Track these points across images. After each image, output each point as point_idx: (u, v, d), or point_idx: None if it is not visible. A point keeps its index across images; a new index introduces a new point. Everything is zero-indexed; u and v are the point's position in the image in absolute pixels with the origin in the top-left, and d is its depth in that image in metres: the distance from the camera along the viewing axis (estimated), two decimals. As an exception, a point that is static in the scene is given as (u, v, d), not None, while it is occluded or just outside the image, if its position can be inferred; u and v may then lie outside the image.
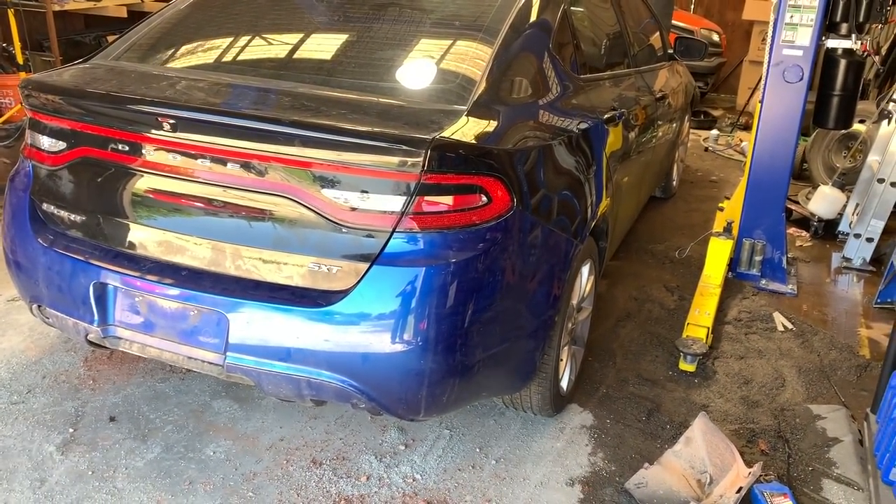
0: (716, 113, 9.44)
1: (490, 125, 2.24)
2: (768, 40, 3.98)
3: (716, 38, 9.82)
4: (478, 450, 2.74)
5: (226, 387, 3.04)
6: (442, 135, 2.04)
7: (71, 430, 2.76)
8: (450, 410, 2.37)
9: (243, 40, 2.74)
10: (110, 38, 6.72)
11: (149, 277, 2.27)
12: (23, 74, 5.91)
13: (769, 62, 3.95)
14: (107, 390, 3.00)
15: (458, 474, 2.62)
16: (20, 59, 5.90)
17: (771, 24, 3.96)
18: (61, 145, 2.39)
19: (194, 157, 2.17)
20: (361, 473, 2.60)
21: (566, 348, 2.82)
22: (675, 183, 5.84)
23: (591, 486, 2.58)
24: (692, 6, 11.29)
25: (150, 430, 2.78)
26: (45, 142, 2.43)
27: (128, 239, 2.33)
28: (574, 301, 2.81)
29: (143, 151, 2.23)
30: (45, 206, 2.46)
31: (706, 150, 7.89)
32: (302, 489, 2.52)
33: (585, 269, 2.86)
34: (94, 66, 2.65)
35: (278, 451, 2.69)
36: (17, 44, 5.83)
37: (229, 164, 2.14)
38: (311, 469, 2.61)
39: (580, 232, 2.67)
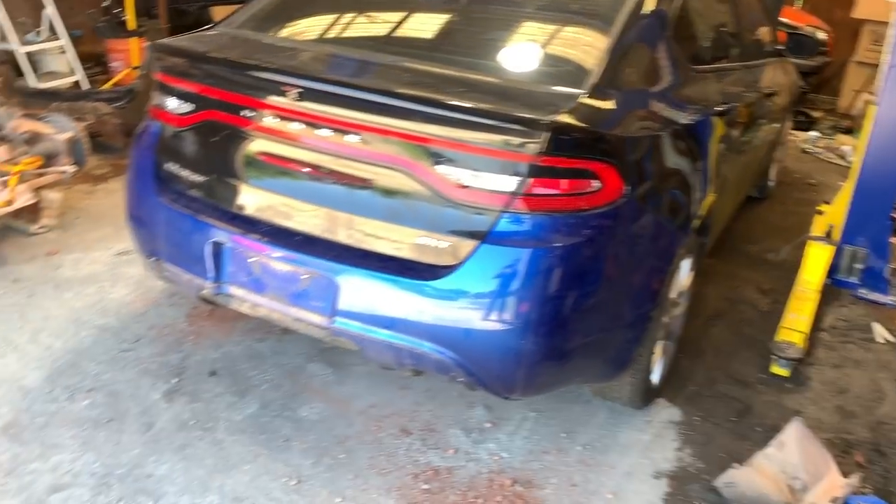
0: (815, 114, 9.07)
1: (607, 111, 2.23)
2: (890, 40, 3.80)
3: (822, 36, 9.40)
4: (563, 434, 2.75)
5: (320, 351, 3.13)
6: (560, 118, 2.04)
7: (175, 381, 2.90)
8: (543, 392, 2.40)
9: (362, 16, 2.80)
10: (214, 10, 6.94)
11: (264, 240, 2.36)
12: (134, 40, 6.17)
13: (891, 63, 3.77)
14: (207, 346, 3.14)
15: (544, 456, 2.64)
16: (132, 26, 6.15)
17: (893, 23, 3.77)
18: (188, 107, 2.50)
19: (315, 126, 2.24)
20: (449, 446, 2.65)
21: (660, 342, 2.79)
22: (772, 183, 5.67)
23: (678, 480, 2.57)
24: (801, 1, 10.84)
25: (248, 386, 2.90)
26: (172, 103, 2.55)
27: (246, 202, 2.43)
28: (672, 296, 2.78)
29: (266, 118, 2.32)
30: (168, 165, 2.59)
31: (804, 151, 7.61)
32: (392, 456, 2.59)
33: (686, 265, 2.82)
34: (220, 33, 2.75)
35: (369, 418, 2.77)
36: (131, 11, 6.07)
37: (348, 136, 2.20)
38: (401, 437, 2.68)
39: (685, 226, 2.64)
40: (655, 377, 2.85)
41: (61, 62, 6.26)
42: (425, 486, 2.47)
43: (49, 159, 4.09)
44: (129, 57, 6.24)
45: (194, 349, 3.11)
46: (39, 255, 3.83)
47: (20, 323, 3.21)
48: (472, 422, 2.79)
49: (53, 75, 6.25)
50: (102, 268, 3.75)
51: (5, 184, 3.70)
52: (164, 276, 2.69)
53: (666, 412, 2.93)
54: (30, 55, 5.92)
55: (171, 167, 2.57)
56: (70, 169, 4.01)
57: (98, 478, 2.41)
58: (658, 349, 2.79)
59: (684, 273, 2.87)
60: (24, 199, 3.65)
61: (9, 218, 3.84)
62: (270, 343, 3.18)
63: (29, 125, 4.07)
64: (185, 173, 2.53)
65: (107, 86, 6.07)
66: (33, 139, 4.07)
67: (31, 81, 5.87)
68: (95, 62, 6.64)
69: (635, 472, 2.59)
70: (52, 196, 4.02)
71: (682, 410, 2.95)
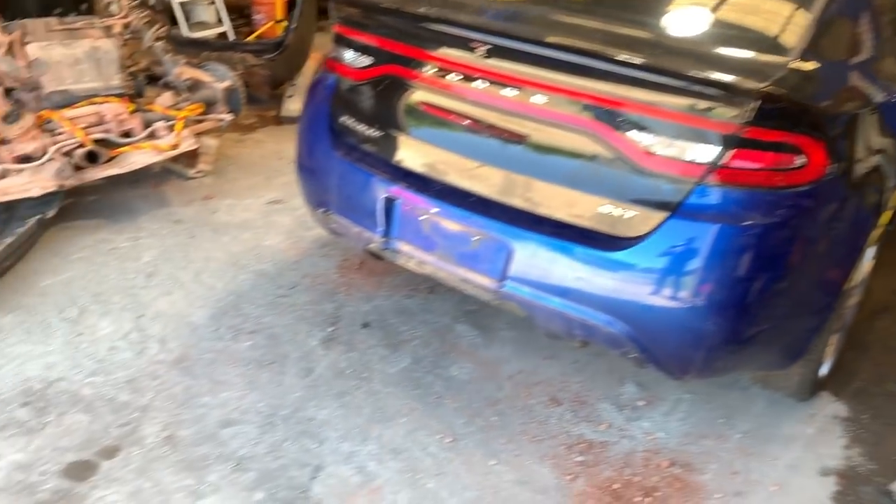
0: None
1: (816, 82, 2.08)
2: None
3: None
4: (721, 420, 2.65)
5: (465, 312, 3.13)
6: (769, 86, 1.91)
7: (330, 329, 2.97)
8: (716, 376, 2.31)
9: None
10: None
11: (437, 198, 2.34)
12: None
13: None
14: (359, 298, 3.20)
15: (702, 441, 2.55)
16: (276, -21, 6.26)
17: None
18: (367, 61, 2.50)
19: (502, 85, 2.19)
20: (602, 421, 2.60)
21: (835, 334, 2.63)
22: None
23: (848, 480, 2.42)
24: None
25: (400, 341, 2.94)
26: (351, 56, 2.56)
27: (421, 159, 2.42)
28: (851, 285, 2.59)
29: (450, 75, 2.29)
30: (343, 118, 2.61)
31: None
32: (543, 424, 2.57)
33: (870, 253, 2.63)
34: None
35: (518, 383, 2.75)
36: (274, -37, 6.18)
37: (536, 96, 2.14)
38: (551, 406, 2.65)
39: (876, 211, 2.45)
40: (824, 370, 2.69)
41: (210, 12, 6.46)
42: (579, 458, 2.44)
43: (207, 107, 4.23)
44: (272, 10, 6.37)
45: (346, 300, 3.18)
46: (197, 199, 4.00)
47: (184, 263, 3.36)
48: (624, 398, 2.73)
49: (203, 25, 6.46)
50: (255, 215, 3.87)
51: (171, 128, 3.85)
52: (332, 228, 2.73)
53: (831, 407, 2.76)
54: (182, 5, 6.14)
55: (347, 120, 2.59)
56: (227, 117, 4.14)
57: (264, 417, 2.51)
58: (833, 340, 2.63)
59: (866, 262, 2.67)
60: (187, 143, 3.79)
61: (170, 161, 4.00)
62: (418, 300, 3.20)
63: (191, 73, 4.22)
64: (361, 127, 2.54)
65: (251, 38, 6.22)
66: (194, 86, 4.22)
67: (184, 31, 6.09)
68: (239, 14, 6.83)
69: (800, 466, 2.47)
70: (210, 143, 4.16)
71: (849, 406, 2.78)
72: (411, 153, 2.44)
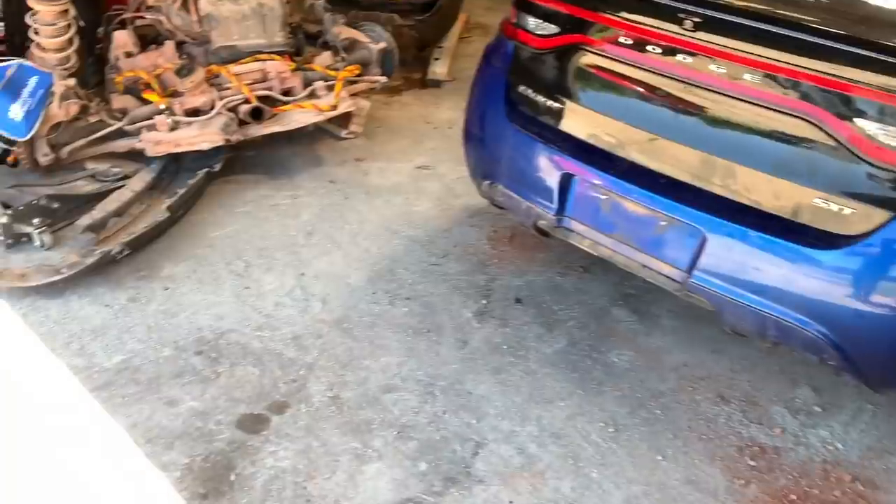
0: None
1: None
2: None
3: None
4: (910, 437, 2.43)
5: (623, 295, 3.02)
6: None
7: (483, 302, 2.93)
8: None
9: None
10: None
11: (622, 178, 2.23)
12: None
13: None
14: (510, 272, 3.13)
15: (888, 457, 2.35)
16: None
17: None
18: (552, 29, 2.39)
19: (708, 60, 2.03)
20: (774, 424, 2.44)
21: None
22: None
23: None
24: None
25: (555, 321, 2.86)
26: (534, 24, 2.45)
27: (606, 135, 2.31)
28: None
29: (648, 47, 2.15)
30: (520, 88, 2.52)
31: None
32: (711, 422, 2.44)
33: None
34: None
35: (682, 377, 2.62)
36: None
37: (748, 75, 1.97)
38: (719, 404, 2.51)
39: None
40: None
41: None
42: (752, 463, 2.30)
43: (361, 67, 4.24)
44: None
45: (498, 273, 3.12)
46: (349, 161, 4.03)
47: (340, 223, 3.40)
48: (798, 402, 2.55)
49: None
50: (405, 179, 3.87)
51: (330, 88, 3.88)
52: (498, 201, 2.67)
53: None
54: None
55: (526, 91, 2.50)
56: (381, 79, 4.14)
57: (423, 385, 2.50)
58: None
59: None
60: (345, 105, 3.81)
61: (325, 122, 4.04)
62: (572, 279, 3.11)
63: (348, 32, 4.23)
64: (541, 99, 2.45)
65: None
66: (350, 46, 4.23)
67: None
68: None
69: None
70: (363, 104, 4.17)
71: None
72: (596, 129, 2.33)
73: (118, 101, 3.59)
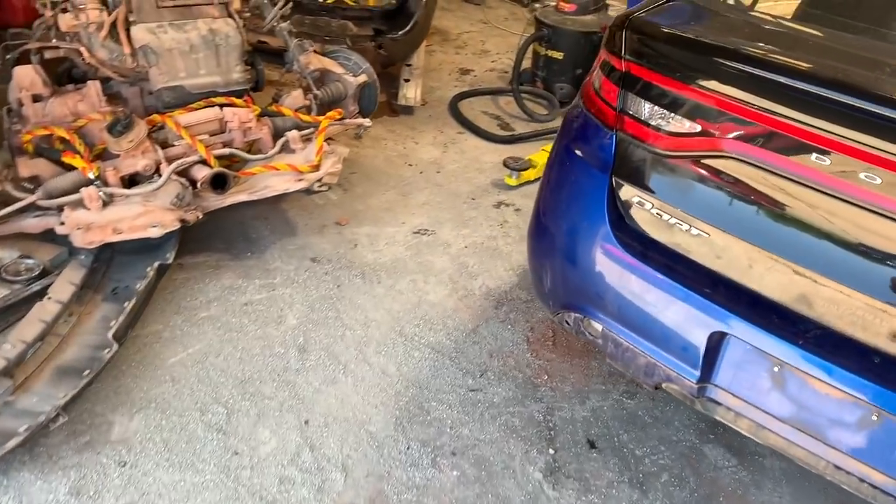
0: None
1: None
2: None
3: None
4: None
5: (710, 426, 2.42)
6: None
7: (551, 452, 2.27)
8: None
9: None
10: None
11: (806, 346, 1.59)
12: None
13: None
14: (568, 395, 2.48)
15: None
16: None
17: None
18: (687, 126, 1.71)
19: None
20: None
21: None
22: None
23: None
24: None
25: (644, 474, 2.23)
26: (657, 114, 1.76)
27: (784, 284, 1.66)
28: None
29: (860, 174, 1.50)
30: (634, 199, 1.83)
31: None
32: None
33: None
34: (704, 8, 1.92)
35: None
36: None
37: None
38: None
39: None
40: None
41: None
42: None
43: (334, 102, 3.44)
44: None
45: (554, 398, 2.46)
46: (329, 225, 3.25)
47: (339, 329, 2.64)
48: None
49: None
50: (404, 252, 3.13)
51: (307, 139, 3.07)
52: (594, 342, 1.99)
53: None
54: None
55: (644, 205, 1.82)
56: (367, 123, 3.34)
57: None
58: None
59: None
60: (329, 163, 3.01)
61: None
62: (643, 402, 2.49)
63: (319, 62, 3.40)
64: (675, 221, 1.77)
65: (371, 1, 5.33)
66: (322, 79, 3.42)
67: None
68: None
69: None
70: (340, 150, 3.36)
71: None
72: (767, 274, 1.67)
73: (27, 167, 2.68)
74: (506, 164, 3.74)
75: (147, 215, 2.59)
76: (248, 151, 3.00)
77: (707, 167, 1.71)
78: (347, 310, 2.74)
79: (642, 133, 1.81)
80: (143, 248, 2.65)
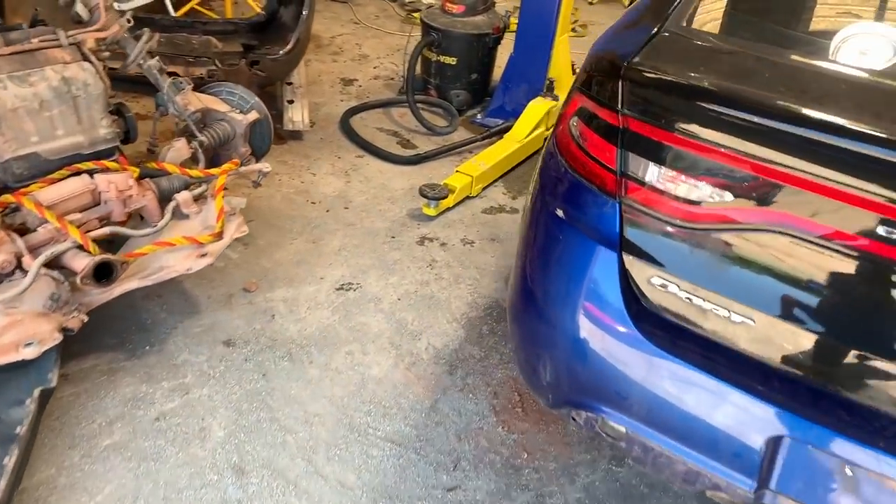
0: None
1: None
2: None
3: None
4: None
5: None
6: None
7: (557, 556, 1.97)
8: None
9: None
10: None
11: (879, 443, 1.37)
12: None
13: None
14: (554, 473, 2.20)
15: None
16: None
17: None
18: (712, 194, 1.44)
19: None
20: None
21: None
22: None
23: None
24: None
25: (659, 562, 1.98)
26: (670, 178, 1.48)
27: (851, 376, 1.42)
28: None
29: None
30: (655, 279, 1.54)
31: None
32: None
33: None
34: (705, 43, 1.65)
35: None
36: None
37: None
38: None
39: None
40: None
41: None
42: None
43: (222, 145, 2.95)
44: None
45: (541, 480, 2.18)
46: (236, 293, 2.78)
47: (280, 435, 2.21)
48: None
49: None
50: (330, 315, 2.72)
51: (199, 197, 2.58)
52: (612, 442, 1.69)
53: None
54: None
55: (665, 283, 1.53)
56: (266, 168, 2.87)
57: None
58: None
59: None
60: (235, 227, 2.54)
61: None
62: (632, 471, 2.24)
63: (198, 101, 2.89)
64: (704, 302, 1.50)
65: (229, 13, 4.77)
66: (204, 119, 2.91)
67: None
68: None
69: None
70: (236, 202, 2.88)
71: None
72: (831, 365, 1.44)
73: None
74: (422, 194, 3.38)
75: (15, 328, 2.04)
76: (132, 225, 2.47)
77: (745, 242, 1.43)
78: (282, 406, 2.31)
79: (656, 202, 1.52)
80: (16, 365, 2.09)
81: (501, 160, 3.75)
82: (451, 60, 4.35)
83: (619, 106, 1.54)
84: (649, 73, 1.51)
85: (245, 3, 5.30)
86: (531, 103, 4.03)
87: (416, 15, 5.93)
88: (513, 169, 3.90)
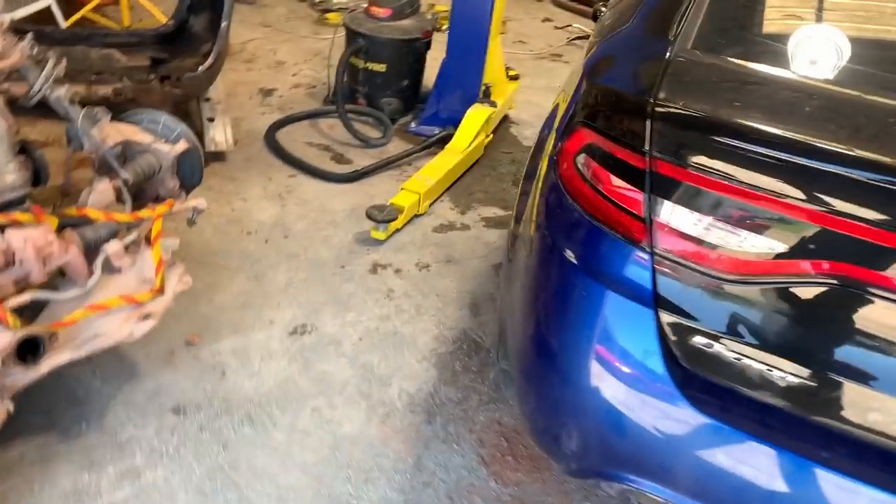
0: None
1: None
2: None
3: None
4: None
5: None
6: None
7: None
8: None
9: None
10: None
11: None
12: None
13: None
14: (557, 527, 2.04)
15: None
16: None
17: None
18: (763, 244, 1.31)
19: None
20: None
21: None
22: None
23: None
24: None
25: None
26: (711, 227, 1.33)
27: None
28: None
29: None
30: (698, 338, 1.40)
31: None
32: None
33: None
34: (728, 72, 1.51)
35: None
36: None
37: None
38: None
39: None
40: None
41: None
42: None
43: (146, 180, 2.63)
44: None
45: (545, 539, 2.00)
46: (178, 348, 2.48)
47: (253, 518, 1.95)
48: None
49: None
50: (287, 365, 2.47)
51: (131, 246, 2.27)
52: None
53: None
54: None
55: (709, 343, 1.39)
56: (201, 205, 2.57)
57: None
58: None
59: None
60: (177, 278, 2.24)
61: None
62: (637, 509, 2.11)
63: (118, 132, 2.55)
64: (756, 363, 1.36)
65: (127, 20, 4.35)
66: (125, 151, 2.58)
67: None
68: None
69: None
70: (169, 244, 2.56)
71: None
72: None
73: None
74: (370, 217, 3.15)
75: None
76: (54, 285, 2.13)
77: (803, 295, 1.30)
78: (250, 482, 2.05)
79: (697, 254, 1.37)
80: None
81: (446, 174, 3.56)
82: (380, 67, 4.11)
83: (647, 148, 1.37)
84: (684, 111, 1.35)
85: (144, 9, 4.85)
86: (470, 111, 3.85)
87: (329, 16, 5.63)
88: (456, 181, 3.71)
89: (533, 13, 6.59)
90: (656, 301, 1.41)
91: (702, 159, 1.33)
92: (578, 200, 1.52)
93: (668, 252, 1.39)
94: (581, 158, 1.55)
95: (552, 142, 1.72)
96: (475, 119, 3.83)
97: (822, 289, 1.29)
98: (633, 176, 1.41)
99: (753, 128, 1.30)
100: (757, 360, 1.35)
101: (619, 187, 1.44)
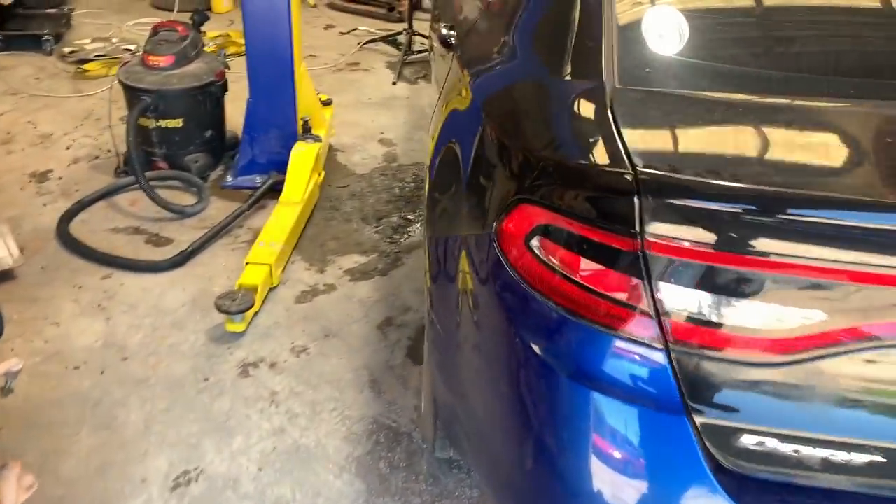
0: None
1: None
2: None
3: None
4: None
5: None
6: None
7: None
8: None
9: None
10: None
11: None
12: None
13: None
14: None
15: None
16: None
17: None
18: (794, 319, 1.11)
19: None
20: None
21: None
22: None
23: None
24: None
25: None
26: (729, 307, 1.12)
27: None
28: None
29: None
30: (744, 437, 1.18)
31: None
32: None
33: None
34: (700, 115, 1.28)
35: None
36: None
37: None
38: None
39: None
40: None
41: None
42: None
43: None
44: None
45: None
46: (33, 561, 1.89)
47: None
48: None
49: None
50: (186, 536, 1.98)
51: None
52: None
53: None
54: None
55: (759, 439, 1.17)
56: (14, 367, 1.99)
57: None
58: None
59: None
60: (12, 485, 1.67)
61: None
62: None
63: None
64: (816, 449, 1.16)
65: None
66: None
67: None
68: None
69: None
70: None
71: None
72: None
73: None
74: (221, 310, 2.67)
75: None
76: None
77: (852, 364, 1.11)
78: None
79: (713, 339, 1.13)
80: None
81: (290, 232, 3.13)
82: (176, 123, 3.55)
83: (637, 229, 1.11)
84: (678, 178, 1.09)
85: None
86: (294, 152, 3.43)
87: (88, 67, 4.88)
88: (301, 234, 3.30)
89: (313, 21, 6.17)
90: (686, 405, 1.15)
91: (709, 234, 1.08)
92: (553, 297, 1.23)
93: (688, 346, 1.14)
94: (535, 242, 1.26)
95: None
96: (303, 159, 3.41)
97: (874, 353, 1.10)
98: (623, 262, 1.15)
99: (774, 191, 1.08)
100: (818, 446, 1.15)
101: (606, 277, 1.17)
